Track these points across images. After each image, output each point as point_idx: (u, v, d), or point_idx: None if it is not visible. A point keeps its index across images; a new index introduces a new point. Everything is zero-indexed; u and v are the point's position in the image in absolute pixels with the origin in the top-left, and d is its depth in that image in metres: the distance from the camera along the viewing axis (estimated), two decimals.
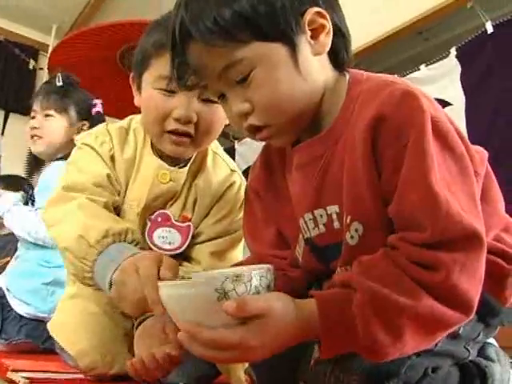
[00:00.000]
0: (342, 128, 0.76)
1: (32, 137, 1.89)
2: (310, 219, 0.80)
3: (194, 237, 1.15)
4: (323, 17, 0.75)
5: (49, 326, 1.20)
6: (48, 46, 4.06)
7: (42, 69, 4.11)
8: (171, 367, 0.88)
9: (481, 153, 0.79)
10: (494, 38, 2.45)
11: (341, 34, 0.79)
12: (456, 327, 0.65)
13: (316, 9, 0.74)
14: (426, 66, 2.72)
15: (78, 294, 1.16)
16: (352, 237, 0.74)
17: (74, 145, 1.19)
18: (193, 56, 0.75)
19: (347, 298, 0.64)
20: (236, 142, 3.81)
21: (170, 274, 0.81)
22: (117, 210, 1.12)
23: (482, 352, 0.77)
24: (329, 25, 0.75)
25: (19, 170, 3.05)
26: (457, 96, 2.53)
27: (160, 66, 1.04)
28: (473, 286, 0.63)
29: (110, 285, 0.88)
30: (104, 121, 1.87)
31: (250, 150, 3.57)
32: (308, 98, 0.76)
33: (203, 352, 0.64)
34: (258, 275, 0.64)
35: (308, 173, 0.79)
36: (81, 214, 0.99)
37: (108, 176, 1.09)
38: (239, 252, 1.20)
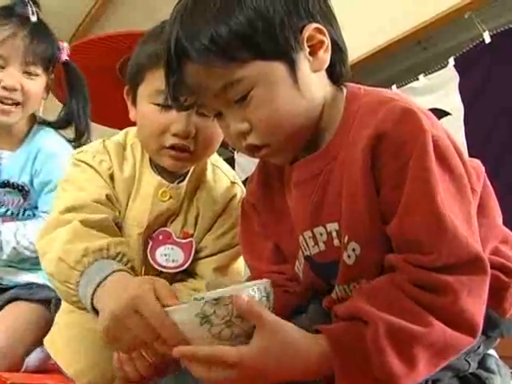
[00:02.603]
0: (341, 144, 0.75)
1: (11, 105, 1.47)
2: (310, 237, 0.80)
3: (197, 252, 1.13)
4: (322, 33, 0.74)
5: (45, 341, 1.19)
6: None
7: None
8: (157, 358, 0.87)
9: (477, 167, 0.79)
10: (491, 48, 2.46)
11: (338, 48, 0.78)
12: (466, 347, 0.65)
13: (315, 25, 0.73)
14: (425, 75, 2.73)
15: (75, 309, 1.14)
16: (349, 256, 0.73)
17: None
18: (189, 75, 0.73)
19: (359, 332, 0.62)
20: (235, 152, 3.82)
21: (170, 301, 0.74)
22: (118, 229, 1.09)
23: (482, 364, 0.77)
24: (327, 41, 0.75)
25: None
26: (455, 105, 2.53)
27: (156, 80, 1.01)
28: (478, 309, 0.63)
29: (94, 308, 0.85)
30: (81, 73, 1.67)
31: (250, 160, 3.58)
32: (307, 115, 0.75)
33: (202, 372, 0.63)
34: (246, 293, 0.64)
35: (306, 190, 0.79)
36: (64, 237, 0.95)
37: (108, 196, 1.07)
38: (241, 264, 1.19)
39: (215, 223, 1.16)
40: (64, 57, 1.57)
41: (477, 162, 0.81)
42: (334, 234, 0.76)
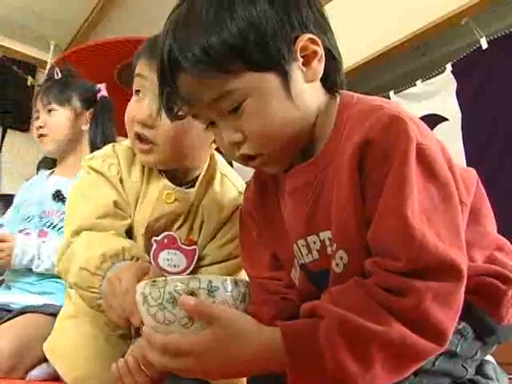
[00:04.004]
0: (333, 153, 0.74)
1: (39, 137, 1.82)
2: (303, 245, 0.79)
3: (199, 259, 1.13)
4: (315, 43, 0.73)
5: (44, 347, 1.18)
6: (46, 62, 4.07)
7: (39, 85, 4.12)
8: (155, 372, 0.88)
9: (469, 178, 0.78)
10: (488, 54, 2.47)
11: (332, 57, 0.77)
12: (428, 358, 0.63)
13: (308, 35, 0.72)
14: (423, 81, 2.74)
15: (75, 315, 1.14)
16: (337, 264, 0.73)
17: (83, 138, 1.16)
18: (182, 85, 0.72)
19: (314, 327, 0.61)
20: None
21: None
22: (129, 233, 1.09)
23: (479, 370, 0.77)
24: (321, 51, 0.74)
25: (19, 185, 3.06)
26: (453, 111, 2.54)
27: (137, 69, 1.05)
28: (447, 316, 0.61)
29: None
30: (111, 104, 1.87)
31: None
32: (300, 125, 0.75)
33: (157, 358, 0.63)
34: (175, 281, 0.63)
35: (300, 199, 0.78)
36: (82, 245, 0.98)
37: (116, 203, 1.07)
38: (244, 275, 1.19)
39: (219, 231, 1.15)
40: (100, 95, 1.88)
41: (471, 171, 0.80)
42: (328, 242, 0.75)
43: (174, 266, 1.09)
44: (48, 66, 3.75)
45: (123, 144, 1.16)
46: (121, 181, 1.10)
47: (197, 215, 1.13)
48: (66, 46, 4.13)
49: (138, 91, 1.06)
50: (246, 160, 0.76)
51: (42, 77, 4.01)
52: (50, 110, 1.80)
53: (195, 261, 1.11)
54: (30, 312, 1.46)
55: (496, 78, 2.43)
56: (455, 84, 2.59)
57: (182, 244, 1.11)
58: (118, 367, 0.91)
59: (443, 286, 0.61)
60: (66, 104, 1.80)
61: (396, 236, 0.63)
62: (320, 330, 0.61)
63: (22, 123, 4.14)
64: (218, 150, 1.24)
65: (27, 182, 1.95)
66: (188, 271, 1.10)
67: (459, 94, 2.57)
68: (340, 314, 0.61)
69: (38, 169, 2.36)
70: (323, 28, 0.76)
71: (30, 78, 4.18)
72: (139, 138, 1.06)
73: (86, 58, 2.65)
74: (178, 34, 0.71)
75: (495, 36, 2.46)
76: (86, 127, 1.86)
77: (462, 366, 0.73)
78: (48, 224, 1.69)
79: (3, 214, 2.33)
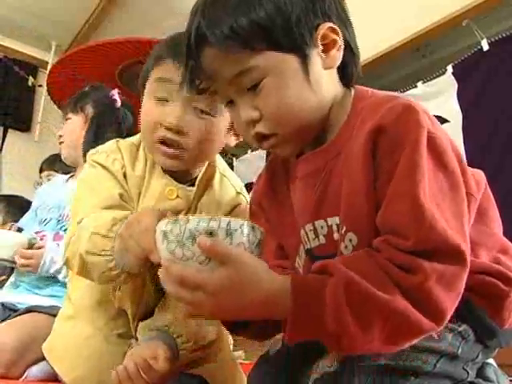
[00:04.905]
0: (345, 141, 0.77)
1: (60, 145, 1.90)
2: (311, 230, 0.81)
3: None
4: (335, 32, 0.76)
5: (43, 348, 1.18)
6: (47, 63, 4.07)
7: (41, 86, 4.12)
8: (154, 378, 0.90)
9: (479, 177, 0.79)
10: (489, 56, 2.47)
11: (350, 50, 0.80)
12: (424, 336, 0.65)
13: (329, 24, 0.76)
14: (424, 83, 2.74)
15: (74, 316, 1.15)
16: (346, 247, 0.74)
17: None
18: (207, 60, 0.75)
19: (322, 283, 0.64)
20: (234, 159, 3.82)
21: None
22: None
23: (480, 373, 0.77)
24: (340, 40, 0.77)
25: (20, 186, 3.07)
26: (454, 112, 2.54)
27: (157, 72, 1.04)
28: (448, 298, 0.63)
29: None
30: (124, 109, 1.87)
31: (249, 167, 3.58)
32: (316, 110, 0.77)
33: (174, 289, 0.65)
34: (196, 220, 0.65)
35: (310, 184, 0.80)
36: (90, 222, 0.98)
37: (120, 195, 1.07)
38: None
39: None
40: (117, 104, 1.88)
41: (480, 173, 0.81)
42: (335, 227, 0.77)
43: None
44: (49, 67, 3.75)
45: (126, 140, 1.17)
46: (124, 175, 1.11)
47: (195, 213, 1.14)
48: (67, 46, 4.14)
49: (161, 96, 1.04)
50: (260, 139, 0.78)
51: (42, 77, 4.02)
52: (67, 119, 1.88)
53: None
54: (36, 311, 1.48)
55: (497, 79, 2.43)
56: (456, 85, 2.59)
57: None
58: (118, 373, 0.91)
59: (448, 268, 0.63)
60: (80, 111, 1.86)
61: (407, 216, 0.65)
62: (328, 286, 0.63)
63: (23, 123, 4.15)
64: (219, 151, 1.24)
65: (45, 186, 2.00)
66: None
67: (460, 96, 2.57)
68: (349, 275, 0.63)
69: (41, 169, 2.39)
70: (344, 21, 0.80)
71: (31, 78, 4.19)
72: (165, 142, 1.04)
73: (87, 59, 2.66)
74: (207, 12, 0.74)
75: (496, 38, 2.46)
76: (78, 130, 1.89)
77: (463, 368, 0.73)
78: (64, 228, 1.70)
79: (4, 214, 2.35)
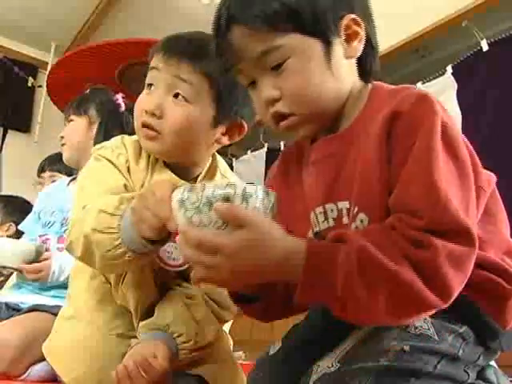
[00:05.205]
0: (360, 129, 0.79)
1: (62, 147, 1.89)
2: (321, 213, 0.83)
3: None
4: (358, 24, 0.80)
5: (44, 348, 1.18)
6: (47, 63, 4.07)
7: (40, 86, 4.13)
8: (154, 376, 0.90)
9: (488, 176, 0.80)
10: (489, 56, 2.48)
11: (371, 44, 0.84)
12: (429, 313, 0.66)
13: (352, 16, 0.79)
14: (423, 83, 2.74)
15: (74, 316, 1.15)
16: (357, 227, 0.75)
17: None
18: (235, 38, 0.79)
19: (336, 248, 0.66)
20: (234, 159, 3.82)
21: None
22: None
23: (480, 374, 0.76)
24: (362, 33, 0.81)
25: (20, 187, 3.06)
26: (453, 113, 2.54)
27: (150, 64, 1.09)
28: (456, 276, 0.64)
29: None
30: (121, 116, 1.88)
31: (248, 167, 3.58)
32: (334, 96, 0.80)
33: (191, 253, 0.67)
34: (213, 187, 0.67)
35: (323, 168, 0.83)
36: (96, 203, 0.99)
37: (125, 186, 1.08)
38: None
39: None
40: (121, 109, 1.90)
41: (490, 174, 0.82)
42: (345, 211, 0.79)
43: (173, 259, 1.10)
44: (49, 67, 3.75)
45: (131, 137, 1.19)
46: (128, 169, 1.12)
47: None
48: (67, 47, 4.14)
49: (150, 84, 1.10)
50: (278, 119, 0.81)
51: (42, 78, 4.02)
52: (69, 121, 1.87)
53: None
54: (40, 311, 1.48)
55: (496, 80, 2.43)
56: (456, 86, 2.60)
57: None
58: (118, 372, 0.92)
59: (458, 248, 0.64)
60: (83, 113, 1.86)
61: (421, 196, 0.67)
62: (340, 252, 0.66)
63: (23, 124, 4.15)
64: (219, 152, 1.25)
65: (46, 189, 1.98)
66: (185, 266, 1.10)
67: (459, 96, 2.58)
68: (362, 244, 0.65)
69: (43, 169, 2.36)
70: (366, 15, 0.84)
71: (30, 78, 4.20)
72: (145, 126, 1.08)
73: (87, 60, 2.66)
74: None
75: (496, 38, 2.46)
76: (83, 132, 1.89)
77: (464, 370, 0.73)
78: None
79: (2, 214, 2.35)
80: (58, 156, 2.34)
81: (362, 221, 0.75)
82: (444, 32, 2.71)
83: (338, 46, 0.79)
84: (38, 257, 1.62)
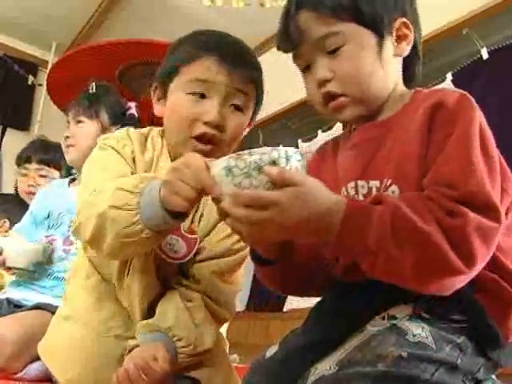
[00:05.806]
0: (400, 120, 0.86)
1: (67, 147, 1.84)
2: (352, 188, 0.87)
3: (196, 253, 1.13)
4: (408, 28, 0.88)
5: (39, 347, 1.18)
6: (47, 62, 4.08)
7: (40, 85, 4.13)
8: (154, 379, 0.91)
9: None
10: (489, 64, 2.48)
11: (416, 51, 0.92)
12: (451, 282, 0.69)
13: (404, 19, 0.88)
14: None
15: (70, 316, 1.14)
16: None
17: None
18: (302, 21, 0.87)
19: (373, 208, 0.71)
20: None
21: None
22: None
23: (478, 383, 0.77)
24: (411, 36, 0.89)
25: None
26: None
27: (193, 72, 1.07)
28: (481, 247, 0.68)
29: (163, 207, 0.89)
30: (137, 124, 1.87)
31: None
32: (381, 85, 0.87)
33: (242, 212, 0.71)
34: (259, 153, 0.73)
35: (361, 150, 0.89)
36: (110, 185, 0.97)
37: (132, 174, 1.07)
38: (241, 275, 1.19)
39: (217, 226, 1.15)
40: (129, 112, 1.93)
41: None
42: (374, 189, 0.84)
43: (175, 251, 1.10)
44: (49, 66, 3.75)
45: (136, 130, 1.19)
46: (134, 160, 1.12)
47: (198, 208, 1.14)
48: (68, 45, 4.14)
49: (199, 93, 1.07)
50: (328, 99, 0.88)
51: (42, 76, 4.02)
52: (78, 122, 1.83)
53: (194, 250, 1.11)
54: (42, 309, 1.48)
55: (496, 88, 2.44)
56: None
57: (185, 232, 1.11)
58: (118, 376, 0.92)
59: (487, 222, 0.69)
60: (95, 117, 1.83)
61: (459, 170, 0.72)
62: (377, 209, 0.71)
63: (22, 122, 4.15)
64: None
65: (44, 190, 1.94)
66: (186, 259, 1.11)
67: None
68: (397, 204, 0.70)
69: (28, 159, 2.28)
70: (416, 21, 0.92)
71: (31, 77, 4.20)
72: (201, 138, 1.07)
73: (88, 59, 2.66)
74: None
75: (496, 46, 2.47)
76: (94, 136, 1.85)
77: (462, 381, 0.73)
78: None
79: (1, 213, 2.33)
80: (44, 145, 2.29)
81: (393, 192, 0.80)
82: (444, 39, 2.71)
83: (389, 44, 0.87)
84: (45, 257, 1.63)
